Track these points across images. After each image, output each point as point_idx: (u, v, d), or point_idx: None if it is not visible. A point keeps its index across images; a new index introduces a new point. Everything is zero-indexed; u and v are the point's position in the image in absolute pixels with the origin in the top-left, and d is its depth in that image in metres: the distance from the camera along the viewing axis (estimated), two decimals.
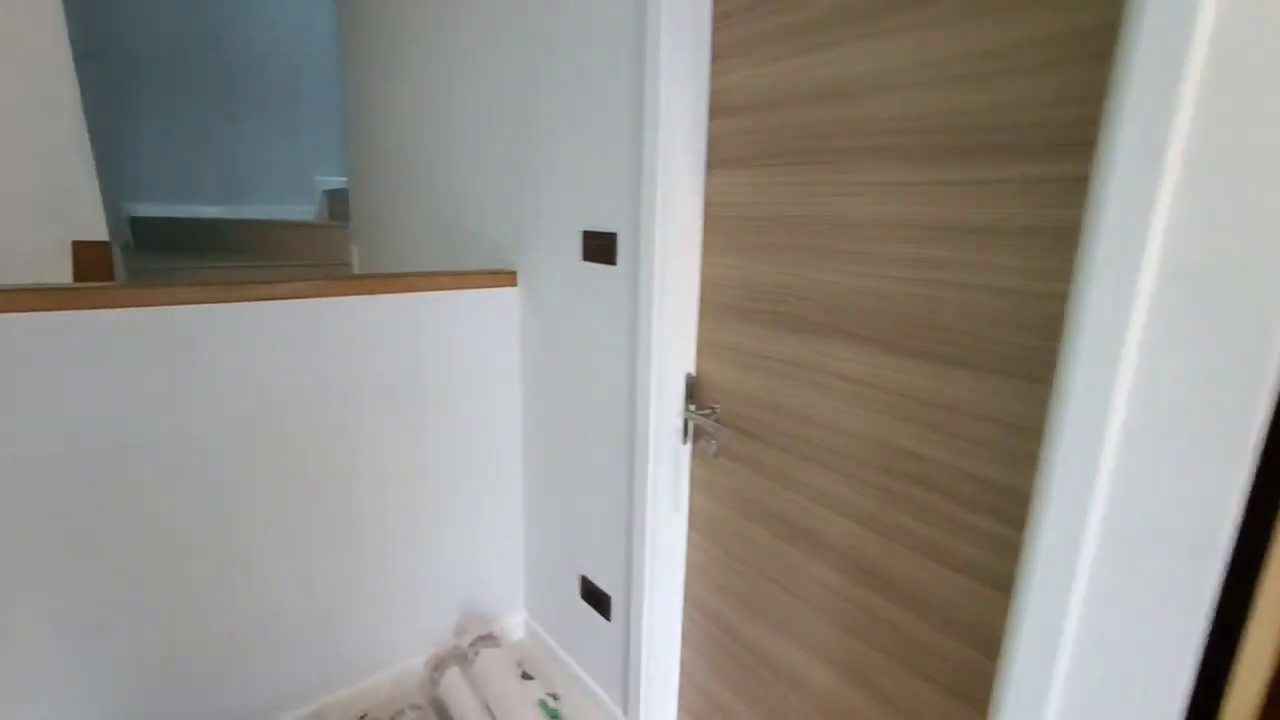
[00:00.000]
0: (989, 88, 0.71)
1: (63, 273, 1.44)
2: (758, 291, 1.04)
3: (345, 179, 3.39)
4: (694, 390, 1.21)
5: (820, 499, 0.99)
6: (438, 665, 1.49)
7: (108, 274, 1.48)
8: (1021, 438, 0.73)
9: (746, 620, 1.15)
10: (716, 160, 1.08)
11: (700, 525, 1.23)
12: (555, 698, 1.44)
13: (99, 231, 1.48)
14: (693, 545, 1.26)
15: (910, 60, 0.78)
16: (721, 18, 1.03)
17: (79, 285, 1.26)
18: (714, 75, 1.06)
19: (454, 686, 1.43)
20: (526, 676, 1.47)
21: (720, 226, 1.10)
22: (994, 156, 0.72)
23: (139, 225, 2.99)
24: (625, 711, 1.38)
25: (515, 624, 1.73)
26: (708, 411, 1.18)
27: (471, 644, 1.56)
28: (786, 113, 0.95)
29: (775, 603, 1.09)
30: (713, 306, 1.14)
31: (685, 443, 1.23)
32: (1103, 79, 0.63)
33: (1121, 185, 0.58)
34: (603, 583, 1.42)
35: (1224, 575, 0.56)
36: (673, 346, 1.16)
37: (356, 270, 2.58)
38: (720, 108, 1.06)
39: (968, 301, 0.76)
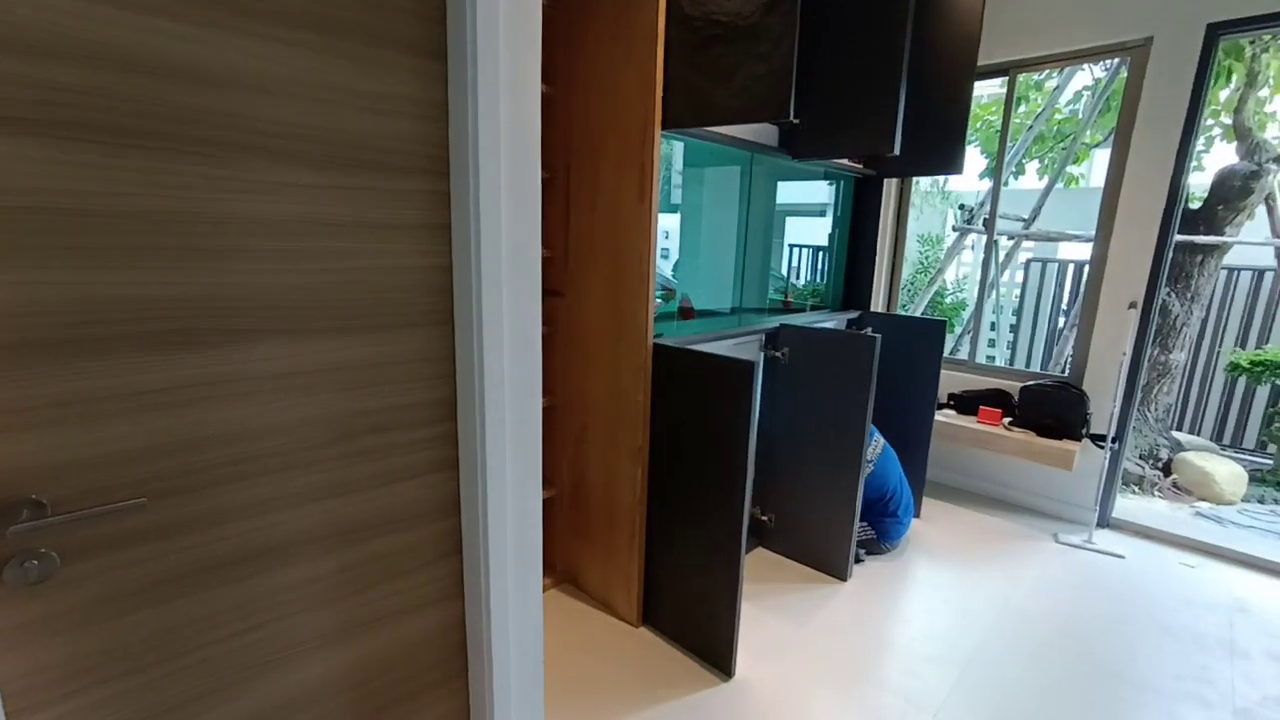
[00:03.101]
0: (381, 120, 0.94)
1: None
2: (105, 312, 0.77)
3: None
4: None
5: (270, 508, 0.95)
6: None
7: None
8: (441, 365, 1.10)
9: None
10: None
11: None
12: None
13: None
14: None
15: (301, 75, 0.86)
16: None
17: None
18: None
19: None
20: None
21: None
22: (385, 171, 0.97)
23: None
24: None
25: None
26: (27, 523, 0.75)
27: None
28: (122, 79, 0.73)
29: (238, 658, 0.94)
30: None
31: None
32: (445, 132, 1.02)
33: (461, 199, 1.04)
34: None
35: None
36: None
37: None
38: None
39: (383, 280, 1.00)
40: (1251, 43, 3.62)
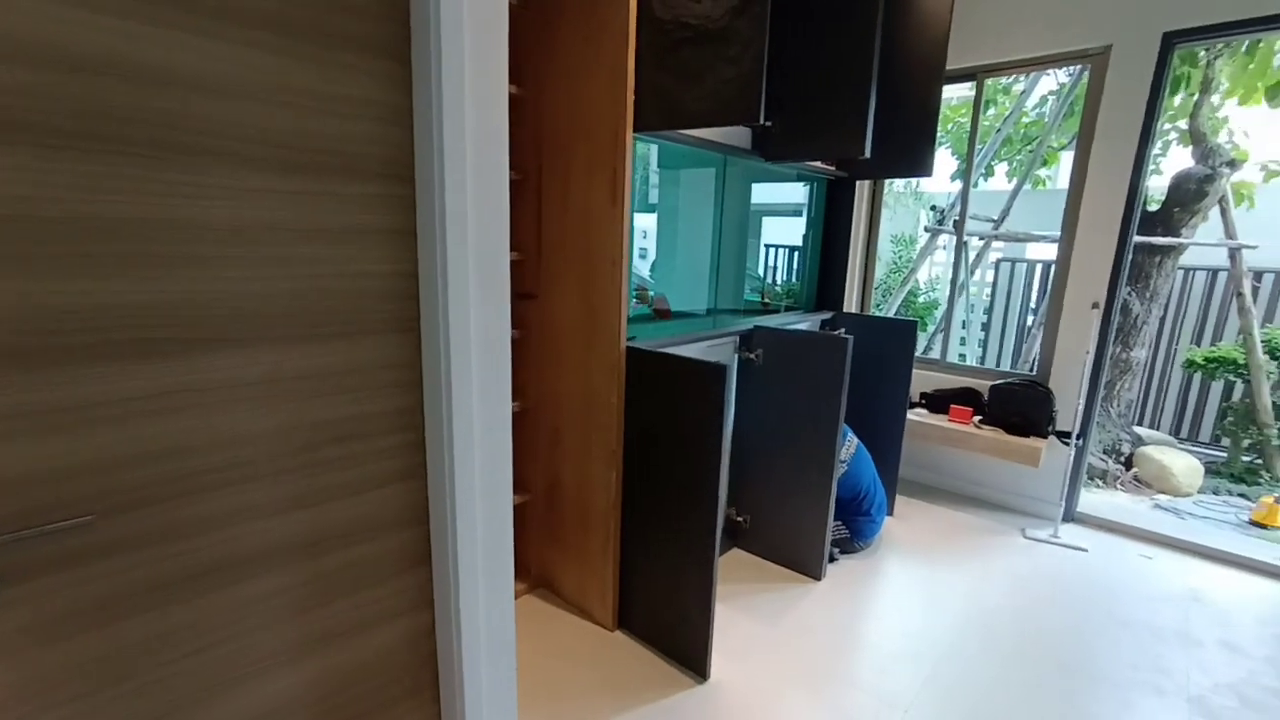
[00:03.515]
0: (342, 123, 0.92)
1: None
2: (52, 322, 0.74)
3: None
4: None
5: (230, 522, 0.92)
6: None
7: None
8: (406, 372, 1.08)
9: None
10: None
11: None
12: None
13: None
14: None
15: (261, 78, 0.84)
16: None
17: None
18: None
19: None
20: None
21: None
22: (348, 175, 0.95)
23: None
24: None
25: None
26: None
27: None
28: (69, 80, 0.70)
29: (195, 677, 0.91)
30: None
31: None
32: (410, 136, 1.00)
33: (427, 203, 1.02)
34: None
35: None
36: None
37: None
38: None
39: (347, 286, 0.98)
40: (1206, 50, 3.75)
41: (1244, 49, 3.69)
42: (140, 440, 0.81)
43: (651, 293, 2.59)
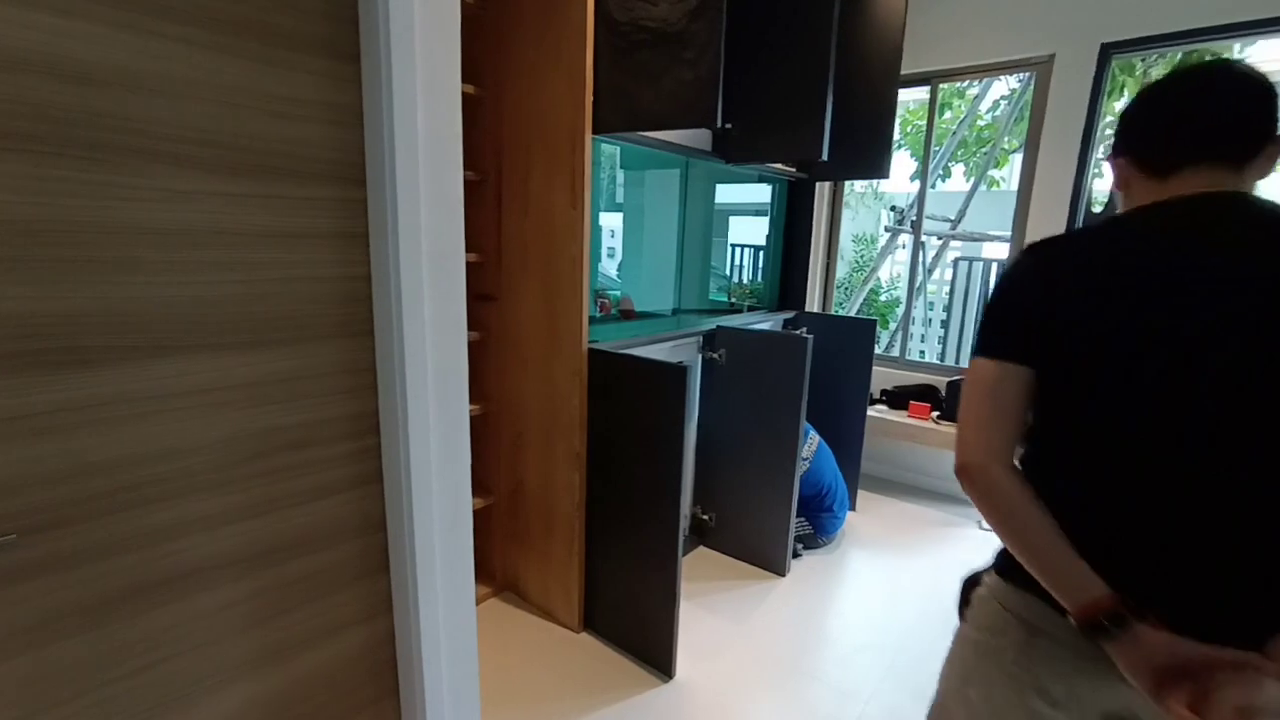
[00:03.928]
0: (291, 125, 0.90)
1: None
2: None
3: None
4: None
5: (175, 535, 0.90)
6: None
7: None
8: (361, 376, 1.06)
9: None
10: None
11: None
12: None
13: None
14: None
15: (201, 76, 0.82)
16: None
17: None
18: None
19: None
20: None
21: None
22: (297, 178, 0.93)
23: None
24: None
25: None
26: None
27: None
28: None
29: (141, 696, 0.89)
30: None
31: None
32: (361, 138, 0.99)
33: (379, 206, 1.01)
34: None
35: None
36: None
37: None
38: None
39: (297, 291, 0.97)
40: (1142, 60, 3.93)
41: (1178, 59, 3.88)
42: (71, 453, 0.79)
43: (616, 293, 2.59)
